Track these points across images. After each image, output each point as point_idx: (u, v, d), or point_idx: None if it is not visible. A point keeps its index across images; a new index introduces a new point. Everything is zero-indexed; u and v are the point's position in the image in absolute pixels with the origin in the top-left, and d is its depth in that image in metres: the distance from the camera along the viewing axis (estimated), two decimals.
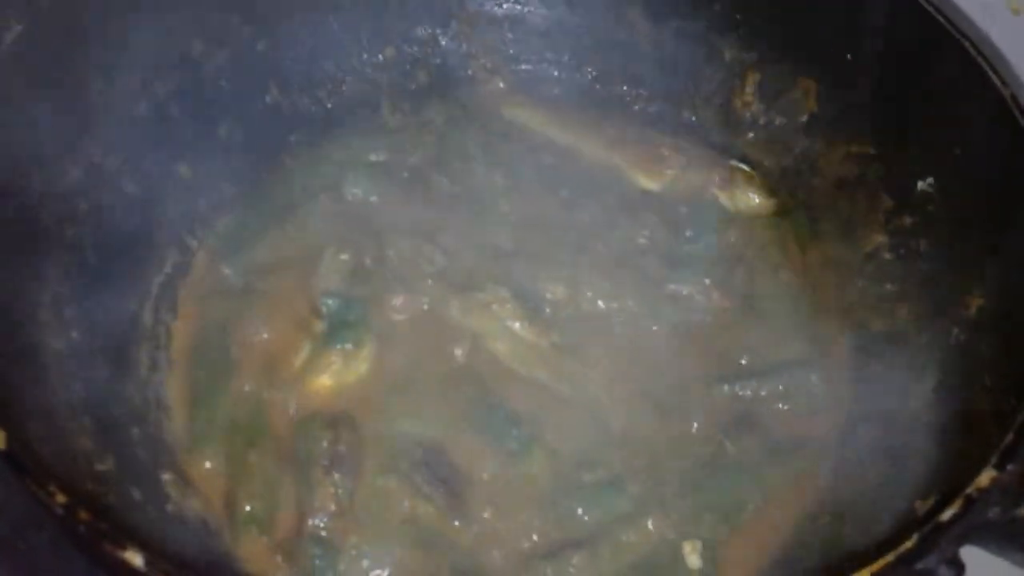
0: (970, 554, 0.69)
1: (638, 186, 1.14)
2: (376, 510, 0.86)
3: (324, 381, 0.94)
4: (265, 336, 0.97)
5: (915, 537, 0.63)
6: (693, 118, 1.21)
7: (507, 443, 0.91)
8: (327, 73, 1.18)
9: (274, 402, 0.93)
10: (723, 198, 1.14)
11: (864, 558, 0.64)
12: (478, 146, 1.15)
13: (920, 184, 0.98)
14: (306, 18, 1.15)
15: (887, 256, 1.02)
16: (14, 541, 0.81)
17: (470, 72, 1.24)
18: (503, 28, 1.24)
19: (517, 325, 0.98)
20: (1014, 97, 0.89)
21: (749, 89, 1.17)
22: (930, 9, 0.97)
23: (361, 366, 0.95)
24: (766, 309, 1.03)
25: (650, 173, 1.15)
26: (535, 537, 0.86)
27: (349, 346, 0.95)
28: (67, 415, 0.81)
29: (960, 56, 0.94)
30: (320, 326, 0.97)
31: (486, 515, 0.86)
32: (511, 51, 1.24)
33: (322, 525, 0.84)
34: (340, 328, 0.96)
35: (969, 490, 0.65)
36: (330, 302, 0.97)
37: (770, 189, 1.14)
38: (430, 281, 1.01)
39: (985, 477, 0.67)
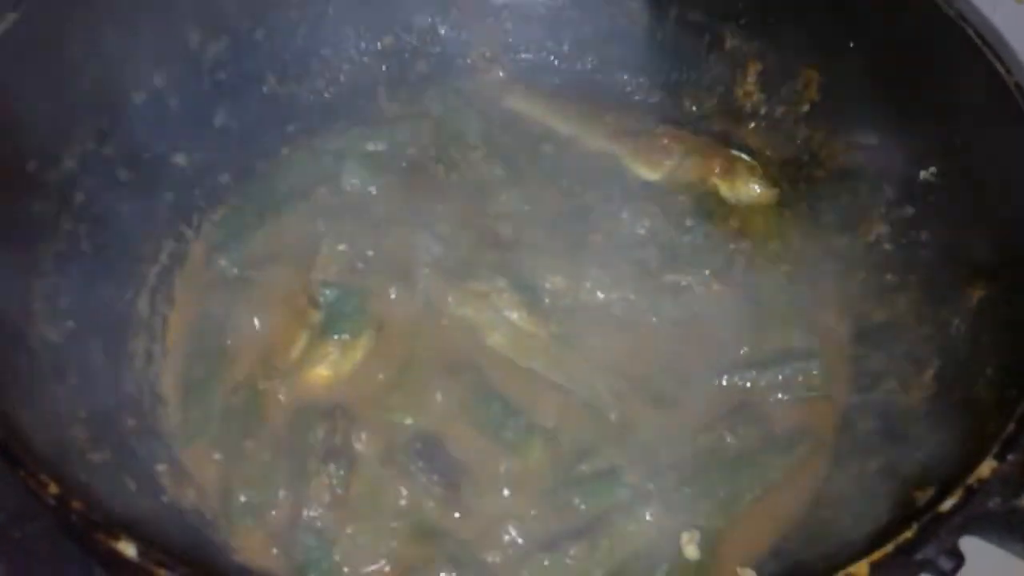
0: (969, 544, 0.68)
1: (638, 176, 1.14)
2: (372, 501, 0.85)
3: (321, 372, 0.94)
4: (262, 327, 0.97)
5: (915, 527, 0.63)
6: (694, 108, 1.20)
7: (505, 434, 0.90)
8: (325, 62, 1.17)
9: (270, 393, 0.92)
10: (724, 188, 1.13)
11: (863, 548, 0.64)
12: (477, 136, 1.15)
13: (922, 174, 0.98)
14: (303, 7, 1.14)
15: (888, 246, 1.01)
16: (10, 530, 0.82)
17: (469, 61, 1.23)
18: (502, 17, 1.23)
19: (515, 316, 0.98)
20: (1018, 85, 0.88)
21: (751, 79, 1.16)
22: None
23: (358, 357, 0.95)
24: (766, 299, 1.02)
25: (650, 163, 1.14)
26: (533, 527, 0.85)
27: (346, 337, 0.95)
28: (61, 405, 0.80)
29: (964, 44, 0.93)
30: (317, 316, 0.96)
31: (483, 506, 0.86)
32: (511, 40, 1.23)
33: (318, 516, 0.83)
34: (337, 319, 0.96)
35: (970, 480, 0.64)
36: (327, 292, 0.97)
37: (771, 179, 1.13)
38: (428, 271, 1.00)
39: (986, 467, 0.66)
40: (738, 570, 0.82)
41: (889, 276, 1.00)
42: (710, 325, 1.00)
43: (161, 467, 0.86)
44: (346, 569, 0.82)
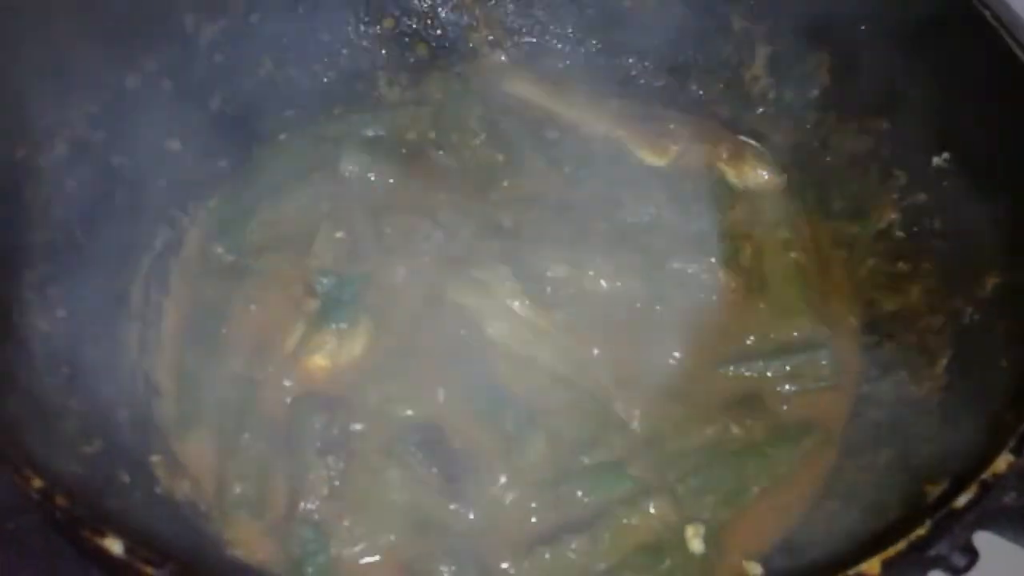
0: (983, 540, 0.67)
1: (643, 162, 1.13)
2: (370, 494, 0.84)
3: (318, 361, 0.93)
4: (258, 315, 0.96)
5: (928, 524, 0.61)
6: (701, 92, 1.19)
7: (506, 425, 0.89)
8: (323, 46, 1.16)
9: (267, 383, 0.91)
10: (731, 174, 1.12)
11: (874, 544, 0.62)
12: (478, 121, 1.13)
13: (935, 160, 0.96)
14: None
15: (900, 234, 1.00)
16: (2, 522, 0.80)
17: (471, 45, 1.22)
18: None
19: (517, 304, 0.96)
20: None
21: (759, 62, 1.15)
22: None
23: (356, 346, 0.94)
24: (774, 288, 1.01)
25: (656, 148, 1.13)
26: (534, 520, 0.84)
27: (344, 325, 0.94)
28: (52, 397, 0.79)
29: (980, 25, 0.91)
30: (314, 305, 0.96)
31: (484, 499, 0.85)
32: (513, 23, 1.22)
33: (315, 509, 0.83)
34: (335, 307, 0.95)
35: (985, 475, 0.63)
36: (325, 280, 0.96)
37: (780, 165, 1.12)
38: (428, 259, 0.99)
39: (1002, 462, 0.64)
40: (744, 564, 0.82)
41: (900, 264, 0.98)
42: (716, 314, 0.99)
43: (155, 458, 0.84)
44: (344, 563, 0.81)
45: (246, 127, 1.09)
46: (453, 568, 0.80)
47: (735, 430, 0.90)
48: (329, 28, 1.16)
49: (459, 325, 0.95)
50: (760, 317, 0.98)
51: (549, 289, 0.99)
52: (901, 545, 0.60)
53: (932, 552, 0.62)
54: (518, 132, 1.13)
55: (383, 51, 1.19)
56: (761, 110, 1.15)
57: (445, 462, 0.86)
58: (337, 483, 0.84)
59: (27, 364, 0.79)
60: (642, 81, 1.20)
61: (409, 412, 0.89)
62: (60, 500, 0.58)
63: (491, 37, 1.22)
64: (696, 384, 0.93)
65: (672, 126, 1.14)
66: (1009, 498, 0.66)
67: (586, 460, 0.87)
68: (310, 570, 0.80)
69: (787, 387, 0.94)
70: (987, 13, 0.92)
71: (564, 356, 0.94)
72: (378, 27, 1.19)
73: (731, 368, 0.95)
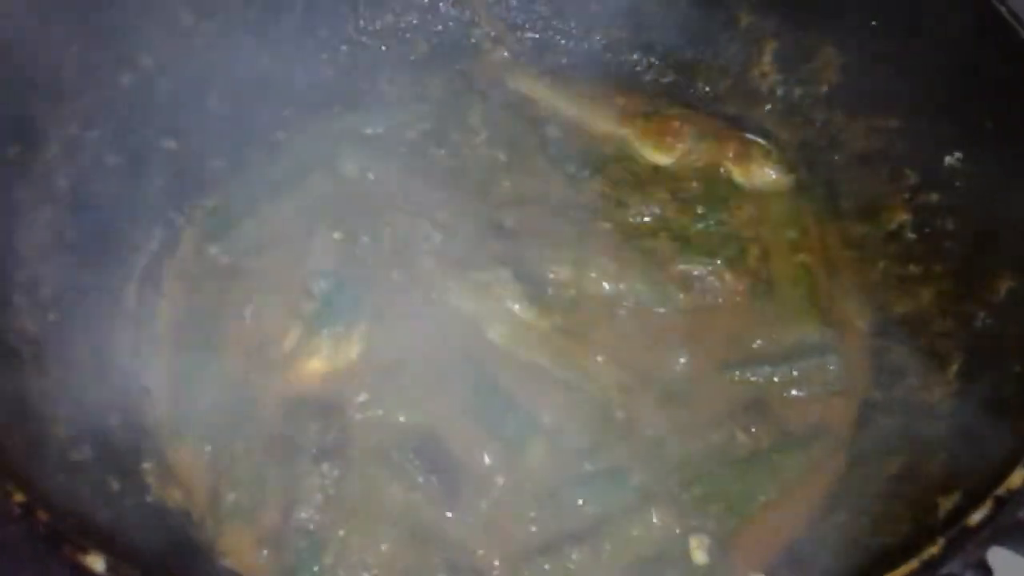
0: (998, 556, 0.65)
1: (648, 161, 1.12)
2: (366, 502, 0.83)
3: (314, 365, 0.92)
4: (253, 318, 0.95)
5: (940, 542, 0.59)
6: (707, 89, 1.18)
7: (505, 431, 0.88)
8: (321, 43, 1.15)
9: (261, 387, 0.91)
10: (738, 174, 1.10)
11: (884, 562, 0.60)
12: (480, 119, 1.12)
13: (947, 159, 0.95)
14: None
15: (911, 235, 0.98)
16: None
17: (472, 41, 1.21)
18: None
19: (518, 307, 0.95)
20: None
21: (767, 58, 1.14)
22: None
23: (353, 350, 0.93)
24: (781, 291, 1.00)
25: (661, 147, 1.12)
26: (533, 530, 0.83)
27: (341, 329, 0.93)
28: (41, 402, 0.78)
29: (993, 21, 0.90)
30: (311, 308, 0.94)
31: (482, 507, 0.84)
32: (516, 18, 1.21)
33: (309, 517, 0.81)
34: (331, 310, 0.94)
35: (999, 491, 0.61)
36: (322, 283, 0.95)
37: (788, 164, 1.11)
38: (427, 261, 0.98)
39: (1017, 476, 0.62)
40: None
41: (911, 266, 0.97)
42: (722, 317, 0.98)
43: (147, 465, 0.84)
44: (339, 573, 0.80)
45: (243, 125, 1.07)
46: None
47: (741, 437, 0.89)
48: (328, 24, 1.15)
49: (458, 328, 0.94)
50: (767, 320, 0.97)
51: (551, 291, 0.98)
52: (913, 564, 0.58)
53: (944, 571, 0.60)
54: (520, 130, 1.12)
55: (383, 48, 1.18)
56: (768, 108, 1.14)
57: (442, 469, 0.84)
58: (332, 491, 0.82)
59: (15, 369, 0.78)
60: (647, 78, 1.19)
61: (406, 418, 0.88)
62: (42, 515, 0.56)
63: (493, 33, 1.21)
64: (701, 389, 0.92)
65: (678, 124, 1.13)
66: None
67: (587, 467, 0.86)
68: None
69: (794, 393, 0.93)
70: (1003, 8, 0.89)
71: (565, 360, 0.93)
72: (378, 23, 1.18)
73: (737, 373, 0.94)
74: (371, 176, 1.06)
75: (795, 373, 0.93)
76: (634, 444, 0.88)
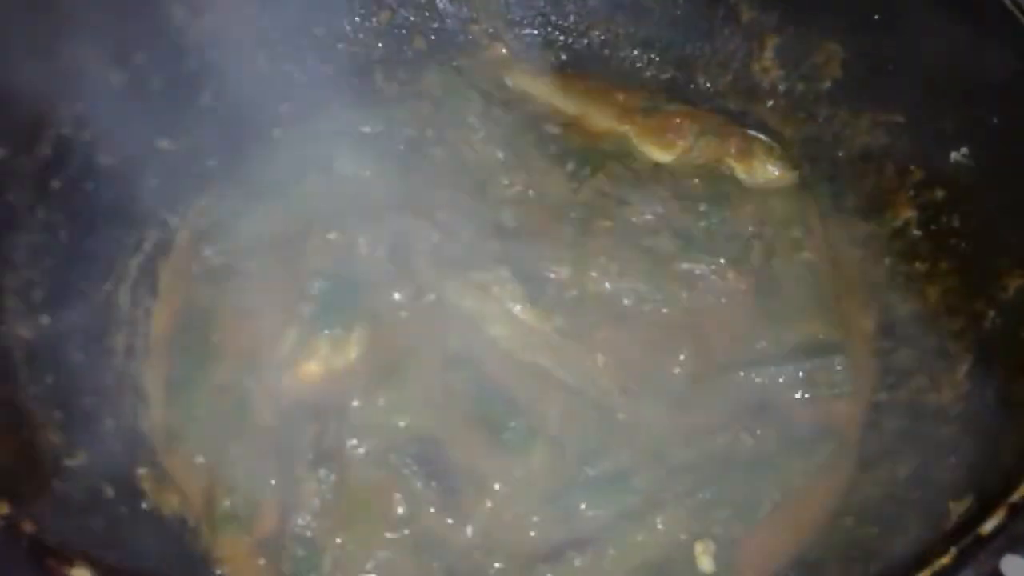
0: (1011, 564, 0.63)
1: (649, 158, 1.11)
2: (364, 508, 0.83)
3: (311, 368, 0.91)
4: (250, 320, 0.94)
5: (952, 551, 0.58)
6: (708, 85, 1.17)
7: (506, 435, 0.87)
8: (317, 39, 1.14)
9: (258, 391, 0.90)
10: (740, 170, 1.10)
11: (895, 570, 0.59)
12: (478, 117, 1.11)
13: (953, 155, 0.94)
14: None
15: (916, 232, 0.98)
16: None
17: (470, 37, 1.20)
18: None
19: (518, 308, 0.94)
20: None
21: (768, 53, 1.13)
22: None
23: (350, 352, 0.92)
24: (785, 290, 0.99)
25: (662, 144, 1.11)
26: (535, 536, 0.83)
27: (338, 331, 0.92)
28: (34, 407, 0.77)
29: (1000, 14, 0.89)
30: (308, 309, 0.93)
31: (483, 513, 0.83)
32: (513, 14, 1.21)
33: (306, 524, 0.81)
34: (328, 312, 0.93)
35: (1013, 497, 0.59)
36: (318, 284, 0.94)
37: (790, 161, 1.10)
38: (425, 261, 0.97)
39: None
40: None
41: (918, 264, 0.96)
42: (725, 317, 0.97)
43: (142, 471, 0.83)
44: None
45: (238, 124, 1.06)
46: None
47: (746, 440, 0.88)
48: (324, 21, 1.14)
49: (458, 330, 0.93)
50: (771, 320, 0.97)
51: (551, 292, 0.97)
52: (925, 574, 0.57)
53: None
54: (519, 128, 1.11)
55: (380, 44, 1.18)
56: (771, 103, 1.13)
57: (442, 475, 0.84)
58: (330, 497, 0.82)
59: (8, 373, 0.77)
60: (648, 74, 1.19)
61: (405, 422, 0.87)
62: (27, 526, 0.54)
63: (491, 29, 1.20)
64: (704, 391, 0.92)
65: (679, 120, 1.12)
66: None
67: (590, 472, 0.86)
68: None
69: (800, 394, 0.93)
70: (1008, 1, 0.88)
71: (566, 362, 0.92)
72: (375, 20, 1.17)
73: (741, 374, 0.93)
74: (368, 174, 1.05)
75: (800, 374, 0.93)
76: (637, 447, 0.87)
